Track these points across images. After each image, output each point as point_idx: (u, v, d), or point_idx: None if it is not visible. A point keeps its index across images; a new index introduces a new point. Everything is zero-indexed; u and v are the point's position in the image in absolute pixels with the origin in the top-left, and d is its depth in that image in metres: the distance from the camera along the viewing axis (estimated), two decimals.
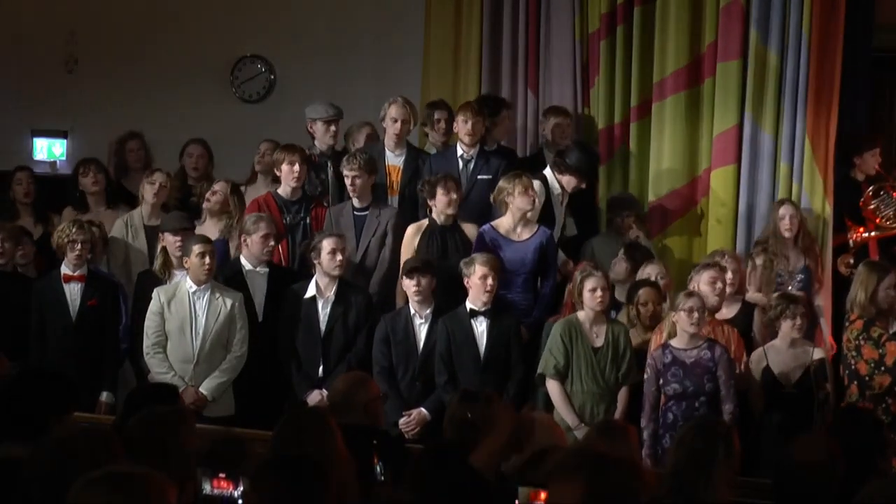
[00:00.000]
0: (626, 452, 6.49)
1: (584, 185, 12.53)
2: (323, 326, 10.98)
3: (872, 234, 12.94)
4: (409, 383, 10.67)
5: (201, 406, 11.00)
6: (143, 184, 12.77)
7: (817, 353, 11.28)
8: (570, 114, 13.51)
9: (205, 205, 12.78)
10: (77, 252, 11.54)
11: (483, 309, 10.89)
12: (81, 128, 15.72)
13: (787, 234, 12.20)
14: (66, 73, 15.74)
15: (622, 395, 10.82)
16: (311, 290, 11.09)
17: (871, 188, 13.06)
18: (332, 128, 13.21)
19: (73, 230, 11.57)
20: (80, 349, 11.62)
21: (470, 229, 11.93)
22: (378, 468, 7.51)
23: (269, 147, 13.60)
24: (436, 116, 13.07)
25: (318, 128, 13.22)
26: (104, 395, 11.50)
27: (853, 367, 11.33)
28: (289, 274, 12.10)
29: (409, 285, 10.61)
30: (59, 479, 5.43)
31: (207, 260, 11.25)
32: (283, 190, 12.53)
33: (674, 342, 10.61)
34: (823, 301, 12.62)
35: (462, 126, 12.57)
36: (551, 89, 13.89)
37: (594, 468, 4.99)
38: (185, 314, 11.28)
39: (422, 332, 10.70)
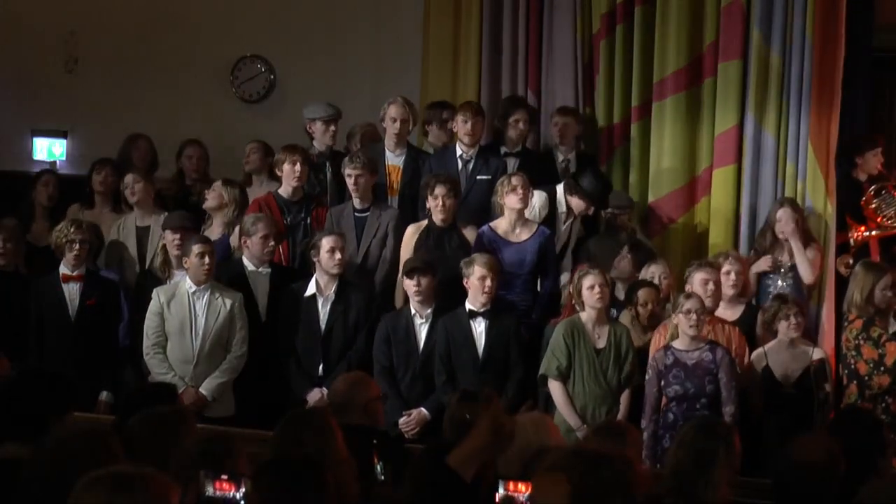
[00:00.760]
0: (625, 452, 6.47)
1: (590, 212, 12.48)
2: (323, 325, 10.96)
3: (873, 233, 12.94)
4: (409, 383, 10.63)
5: (201, 406, 10.96)
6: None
7: (817, 354, 11.27)
8: (578, 114, 13.47)
9: (204, 205, 12.77)
10: (75, 252, 11.53)
11: (482, 310, 10.87)
12: (81, 128, 15.69)
13: (780, 237, 12.19)
14: (66, 73, 15.73)
15: (624, 397, 10.81)
16: (311, 289, 11.08)
17: (872, 187, 13.05)
18: (332, 127, 13.19)
19: (72, 230, 11.55)
20: (78, 349, 11.53)
21: (469, 232, 11.92)
22: (378, 468, 7.50)
23: (255, 147, 13.64)
24: (444, 116, 13.03)
25: (318, 127, 13.21)
26: (104, 395, 11.46)
27: (853, 366, 11.34)
28: (291, 274, 12.07)
29: (409, 285, 10.61)
30: (60, 479, 5.42)
31: (207, 260, 11.24)
32: (284, 190, 12.50)
33: (675, 343, 10.60)
34: (827, 301, 12.60)
35: (461, 126, 12.56)
36: (553, 89, 13.86)
37: (581, 467, 4.96)
38: (185, 314, 11.26)
39: (422, 332, 10.69)
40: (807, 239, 12.26)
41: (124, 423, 6.98)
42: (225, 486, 7.21)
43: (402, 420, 10.70)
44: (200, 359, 11.26)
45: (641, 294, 11.24)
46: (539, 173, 12.51)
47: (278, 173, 12.55)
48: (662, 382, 10.47)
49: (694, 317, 10.31)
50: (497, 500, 5.83)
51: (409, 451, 8.25)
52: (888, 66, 14.31)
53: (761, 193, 12.91)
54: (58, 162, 15.62)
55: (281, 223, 12.22)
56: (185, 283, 11.39)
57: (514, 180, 11.54)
